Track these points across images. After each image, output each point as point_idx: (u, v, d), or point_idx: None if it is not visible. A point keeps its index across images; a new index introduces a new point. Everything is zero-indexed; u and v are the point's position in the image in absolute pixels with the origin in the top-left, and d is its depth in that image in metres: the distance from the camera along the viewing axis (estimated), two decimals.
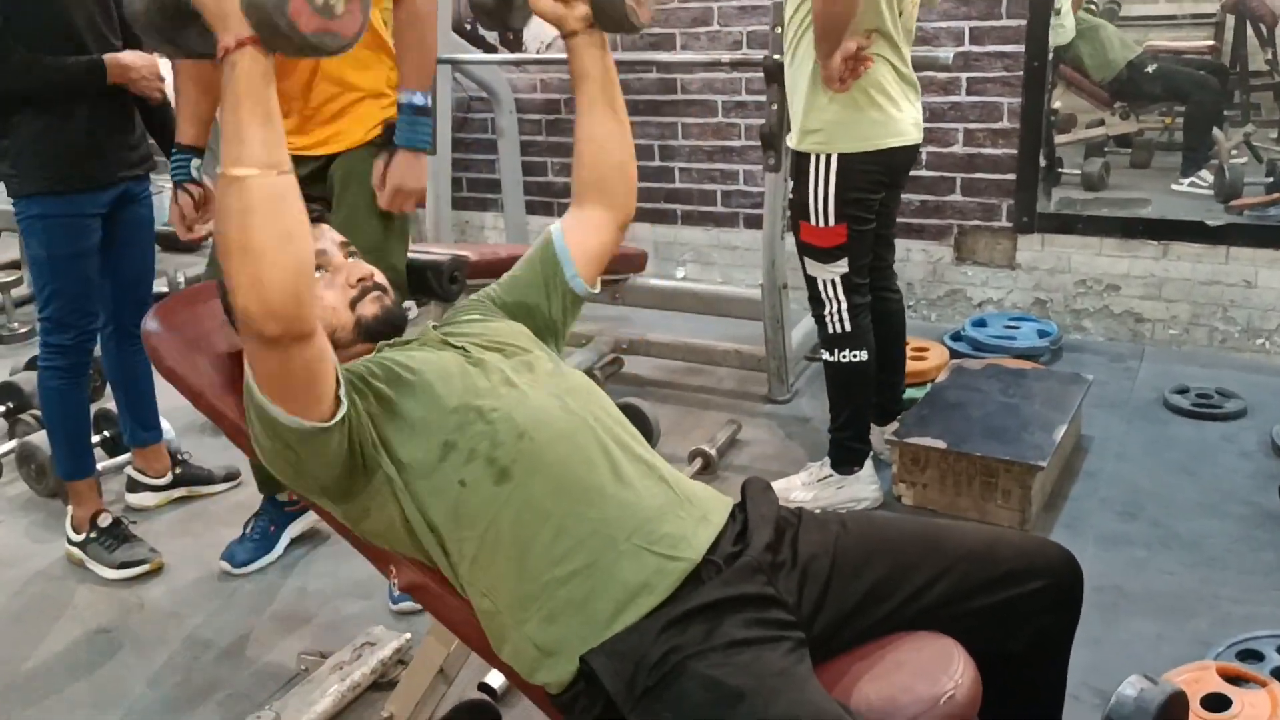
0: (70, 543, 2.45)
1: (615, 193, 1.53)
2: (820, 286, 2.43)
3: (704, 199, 4.01)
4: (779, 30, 2.85)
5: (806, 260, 2.44)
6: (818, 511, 1.42)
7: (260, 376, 1.15)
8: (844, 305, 2.41)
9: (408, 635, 2.02)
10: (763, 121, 2.94)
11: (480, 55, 4.01)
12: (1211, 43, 5.26)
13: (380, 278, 1.45)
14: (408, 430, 1.27)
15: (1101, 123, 4.95)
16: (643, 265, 3.29)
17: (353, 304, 1.39)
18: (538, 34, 4.06)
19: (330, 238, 1.43)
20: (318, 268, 1.37)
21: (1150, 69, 4.68)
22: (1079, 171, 4.46)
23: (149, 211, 2.50)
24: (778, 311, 3.07)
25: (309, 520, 2.46)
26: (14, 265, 4.59)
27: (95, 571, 2.39)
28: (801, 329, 3.24)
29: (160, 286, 3.57)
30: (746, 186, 3.90)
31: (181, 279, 4.17)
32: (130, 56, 2.27)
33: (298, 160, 2.13)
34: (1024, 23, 3.25)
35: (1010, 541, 1.38)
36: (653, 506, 1.26)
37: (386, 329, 1.41)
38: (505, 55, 4.16)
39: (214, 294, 1.54)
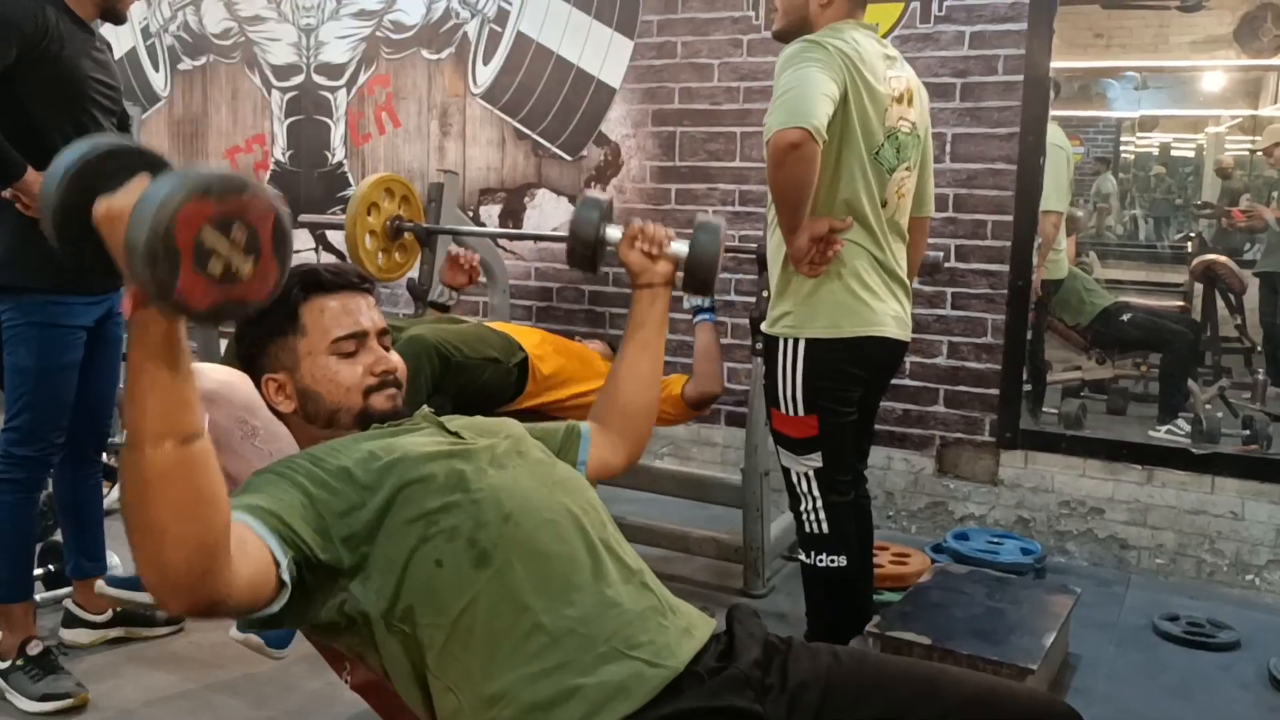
0: None
1: (637, 430, 1.62)
2: (794, 479, 2.32)
3: None
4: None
5: (780, 450, 2.34)
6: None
7: None
8: (819, 503, 2.29)
9: None
10: (744, 319, 3.01)
11: (480, 229, 4.08)
12: (1182, 304, 5.51)
13: (403, 375, 1.41)
14: (385, 512, 1.19)
15: (1078, 367, 5.09)
16: None
17: (367, 392, 1.35)
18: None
19: (371, 318, 1.39)
20: (350, 352, 1.34)
21: (1125, 317, 4.84)
22: (1057, 411, 4.53)
23: (122, 331, 2.46)
24: (757, 498, 3.01)
25: None
26: None
27: (13, 703, 2.20)
28: (780, 524, 3.17)
29: None
30: (729, 384, 3.92)
31: None
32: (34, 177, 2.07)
33: None
34: (1008, 244, 3.39)
35: (1013, 693, 1.28)
36: (635, 611, 1.19)
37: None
38: (504, 230, 4.26)
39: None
